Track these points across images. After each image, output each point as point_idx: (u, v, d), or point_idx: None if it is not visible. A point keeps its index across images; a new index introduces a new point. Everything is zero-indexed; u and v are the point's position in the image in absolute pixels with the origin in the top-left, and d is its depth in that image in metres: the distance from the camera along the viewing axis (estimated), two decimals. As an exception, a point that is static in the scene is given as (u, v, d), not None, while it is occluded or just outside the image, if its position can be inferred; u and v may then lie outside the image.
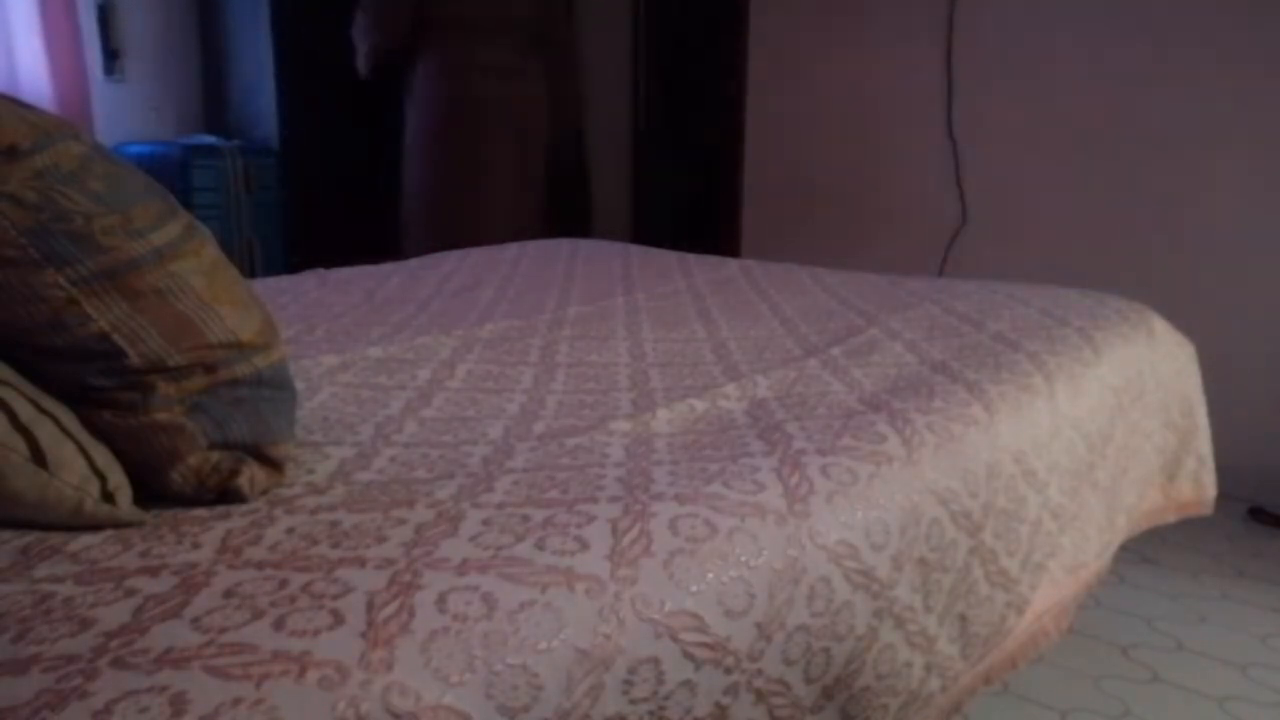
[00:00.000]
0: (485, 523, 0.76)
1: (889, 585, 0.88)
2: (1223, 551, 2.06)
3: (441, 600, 0.64)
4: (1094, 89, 2.48)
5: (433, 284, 1.91)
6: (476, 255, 2.29)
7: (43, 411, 0.74)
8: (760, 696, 0.76)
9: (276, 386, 0.88)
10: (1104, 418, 1.29)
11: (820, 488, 0.88)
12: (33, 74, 2.83)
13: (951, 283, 1.87)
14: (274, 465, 0.85)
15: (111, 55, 3.08)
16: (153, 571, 0.67)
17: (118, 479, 0.77)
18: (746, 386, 1.20)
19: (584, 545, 0.73)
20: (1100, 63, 2.46)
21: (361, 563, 0.68)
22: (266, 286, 1.86)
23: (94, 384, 0.78)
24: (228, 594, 0.64)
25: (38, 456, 0.71)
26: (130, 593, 0.64)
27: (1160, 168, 2.40)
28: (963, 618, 1.00)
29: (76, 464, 0.73)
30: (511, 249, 2.39)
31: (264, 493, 0.83)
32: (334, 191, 3.18)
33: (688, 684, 0.70)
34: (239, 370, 0.84)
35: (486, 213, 3.08)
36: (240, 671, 0.55)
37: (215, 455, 0.81)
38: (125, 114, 3.14)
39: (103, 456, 0.76)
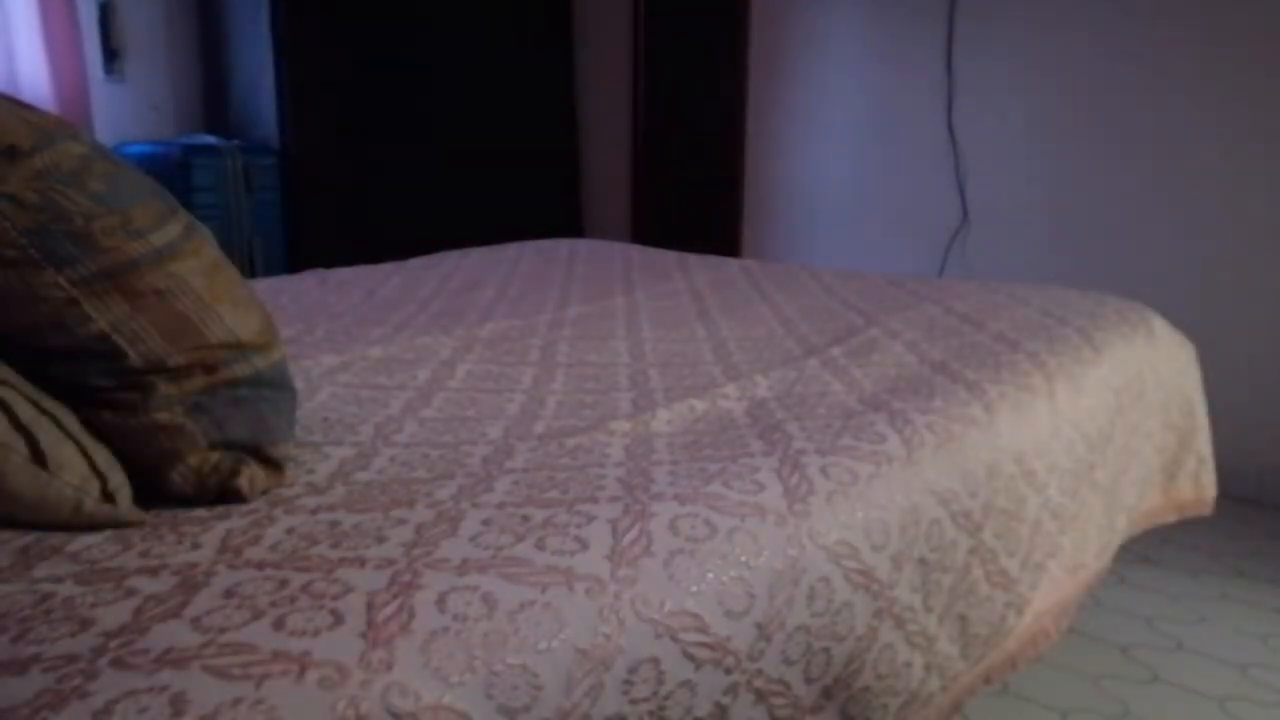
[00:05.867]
0: (485, 523, 0.76)
1: (889, 585, 0.88)
2: (1223, 551, 2.06)
3: (441, 600, 0.64)
4: (1095, 89, 2.48)
5: (433, 284, 1.91)
6: (476, 255, 2.29)
7: (43, 411, 0.74)
8: (760, 696, 0.76)
9: (276, 386, 0.88)
10: (1104, 418, 1.29)
11: (820, 488, 0.88)
12: (33, 74, 2.83)
13: (951, 283, 1.87)
14: (274, 465, 0.85)
15: (111, 55, 3.08)
16: (153, 571, 0.67)
17: (118, 479, 0.77)
18: (746, 386, 1.20)
19: (584, 545, 0.73)
20: (1101, 62, 2.46)
21: (361, 563, 0.68)
22: (266, 286, 1.86)
23: (94, 384, 0.78)
24: (228, 594, 0.64)
25: (38, 456, 0.71)
26: (130, 593, 0.64)
27: (1161, 167, 2.40)
28: (963, 618, 1.00)
29: (76, 464, 0.73)
30: (511, 249, 2.39)
31: (264, 493, 0.83)
32: (334, 191, 3.17)
33: (688, 684, 0.70)
34: (239, 370, 0.84)
35: None
36: (240, 671, 0.55)
37: (215, 455, 0.81)
38: (125, 114, 3.14)
39: (103, 457, 0.76)
